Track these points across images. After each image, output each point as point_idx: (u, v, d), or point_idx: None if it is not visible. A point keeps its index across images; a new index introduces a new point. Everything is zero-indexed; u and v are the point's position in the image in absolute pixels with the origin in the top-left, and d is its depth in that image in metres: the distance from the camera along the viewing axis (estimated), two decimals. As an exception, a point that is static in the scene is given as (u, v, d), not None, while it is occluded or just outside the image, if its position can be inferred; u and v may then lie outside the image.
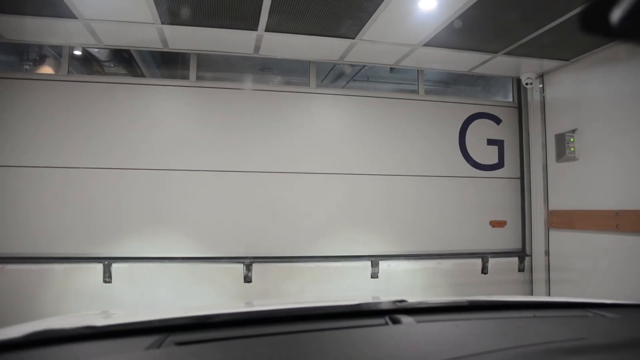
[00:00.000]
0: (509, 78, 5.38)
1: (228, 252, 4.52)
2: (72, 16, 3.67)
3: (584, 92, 4.46)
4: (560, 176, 4.75)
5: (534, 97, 5.07)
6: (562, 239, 4.71)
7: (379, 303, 1.27)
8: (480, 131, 5.16)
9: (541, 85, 4.99)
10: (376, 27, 3.88)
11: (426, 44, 4.23)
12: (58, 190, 4.31)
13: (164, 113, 4.61)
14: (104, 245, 4.33)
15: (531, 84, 4.91)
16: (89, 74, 4.99)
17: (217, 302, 4.42)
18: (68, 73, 4.45)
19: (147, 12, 3.62)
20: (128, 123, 4.48)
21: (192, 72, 4.66)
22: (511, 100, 5.39)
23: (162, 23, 3.84)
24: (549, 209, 4.86)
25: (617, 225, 3.99)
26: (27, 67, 4.83)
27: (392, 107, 5.02)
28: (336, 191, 4.81)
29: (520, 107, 5.27)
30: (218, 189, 4.60)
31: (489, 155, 5.18)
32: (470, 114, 5.16)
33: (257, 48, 4.41)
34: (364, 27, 3.90)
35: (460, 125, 5.13)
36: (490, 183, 5.14)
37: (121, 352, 0.97)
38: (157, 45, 4.37)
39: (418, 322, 1.16)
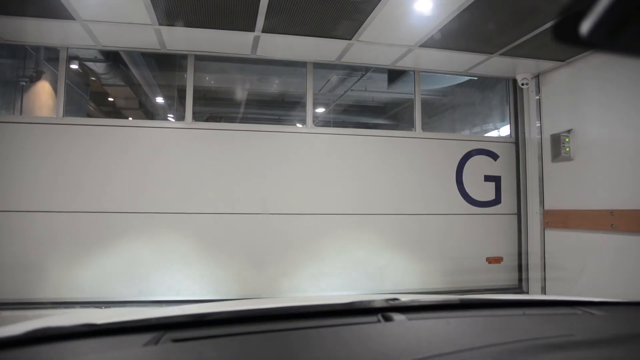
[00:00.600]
0: (507, 112, 5.40)
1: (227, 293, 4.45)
2: (70, 17, 3.69)
3: (580, 93, 4.50)
4: (555, 176, 4.78)
5: (529, 97, 5.10)
6: (557, 238, 4.74)
7: (372, 301, 1.29)
8: (477, 168, 5.13)
9: (537, 86, 5.03)
10: (373, 28, 3.91)
11: (422, 45, 4.26)
12: (52, 234, 4.22)
13: (160, 156, 4.52)
14: (97, 290, 4.22)
15: (527, 84, 4.95)
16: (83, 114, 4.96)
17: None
18: (64, 115, 4.40)
19: (145, 13, 3.63)
20: (121, 166, 4.42)
21: (188, 113, 4.58)
22: (509, 135, 5.35)
23: (160, 24, 3.86)
24: (545, 208, 4.89)
25: (612, 224, 4.02)
26: (24, 82, 4.82)
27: (389, 145, 4.99)
28: (332, 232, 4.73)
29: (517, 142, 5.23)
30: (216, 232, 4.53)
31: (486, 192, 5.14)
32: (467, 150, 5.12)
33: (254, 49, 4.43)
34: (361, 28, 3.92)
35: (457, 162, 5.09)
36: (487, 219, 5.09)
37: (119, 349, 0.99)
38: (155, 47, 4.38)
39: (410, 319, 1.18)
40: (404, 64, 4.80)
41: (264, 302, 1.36)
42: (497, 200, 5.16)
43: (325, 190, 4.76)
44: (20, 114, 4.85)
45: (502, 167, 5.21)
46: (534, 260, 4.95)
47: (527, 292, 5.00)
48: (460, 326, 1.20)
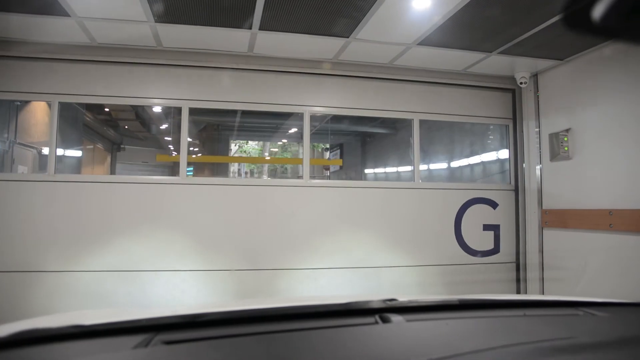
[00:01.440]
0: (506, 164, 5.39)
1: None
2: (65, 14, 3.65)
3: (578, 92, 4.48)
4: (554, 175, 4.77)
5: (528, 96, 5.09)
6: (555, 238, 4.73)
7: (369, 302, 1.26)
8: (476, 217, 5.08)
9: (535, 85, 5.01)
10: (370, 26, 3.88)
11: (420, 43, 4.23)
12: (45, 296, 4.15)
13: (155, 213, 4.45)
14: None
15: (525, 83, 4.93)
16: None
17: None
18: (55, 172, 4.34)
19: (141, 10, 3.60)
20: (110, 223, 4.36)
21: (182, 170, 4.54)
22: (508, 182, 5.31)
23: (156, 21, 3.82)
24: (543, 208, 4.88)
25: (611, 224, 4.01)
26: (18, 102, 4.80)
27: (387, 196, 4.94)
28: (327, 287, 4.65)
29: (517, 189, 5.19)
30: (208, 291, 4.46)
31: (485, 241, 5.09)
32: (466, 199, 5.08)
33: (251, 47, 4.40)
34: (359, 26, 3.89)
35: (456, 212, 5.04)
36: (485, 269, 5.04)
37: (109, 351, 0.96)
38: (151, 44, 4.35)
39: (408, 320, 1.15)
40: (402, 62, 4.77)
41: (258, 302, 1.33)
42: (495, 249, 5.11)
43: (318, 244, 4.69)
44: (15, 136, 4.83)
45: (501, 216, 5.17)
46: (531, 260, 4.94)
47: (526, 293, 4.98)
48: (459, 328, 1.17)
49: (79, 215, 4.30)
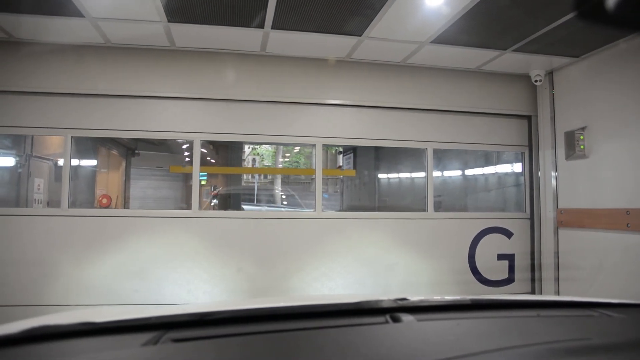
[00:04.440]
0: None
1: None
2: (79, 15, 3.69)
3: (594, 89, 4.40)
4: (569, 174, 4.69)
5: (543, 94, 5.02)
6: (571, 238, 4.66)
7: (380, 301, 1.25)
8: (490, 246, 5.02)
9: (550, 83, 4.94)
10: (383, 24, 3.86)
11: (433, 41, 4.20)
12: None
13: (166, 247, 4.46)
14: None
15: (540, 80, 4.86)
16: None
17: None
18: (69, 207, 4.38)
19: (154, 10, 3.62)
20: (131, 258, 4.37)
21: (195, 203, 4.57)
22: (524, 211, 5.24)
23: (169, 21, 3.85)
24: (559, 207, 4.81)
25: (628, 224, 3.94)
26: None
27: (399, 226, 4.89)
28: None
29: (532, 218, 5.13)
30: None
31: (499, 271, 5.02)
32: (481, 229, 5.02)
33: (263, 46, 4.41)
34: (371, 24, 3.88)
35: (470, 242, 4.99)
36: None
37: (117, 349, 0.97)
38: (164, 44, 4.38)
39: (419, 320, 1.14)
40: (415, 60, 4.74)
41: (267, 301, 1.32)
42: (510, 279, 5.05)
43: (331, 275, 4.67)
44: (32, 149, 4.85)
45: (516, 245, 5.09)
46: (547, 260, 4.87)
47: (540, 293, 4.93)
48: (470, 328, 1.16)
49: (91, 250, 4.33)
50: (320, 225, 4.73)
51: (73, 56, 4.41)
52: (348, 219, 4.94)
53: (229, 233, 4.55)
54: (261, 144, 5.04)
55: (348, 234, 4.76)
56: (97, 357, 0.94)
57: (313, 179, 4.92)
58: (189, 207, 4.64)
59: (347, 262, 4.71)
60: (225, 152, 7.70)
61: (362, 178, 8.67)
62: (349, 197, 8.67)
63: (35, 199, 4.84)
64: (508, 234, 5.10)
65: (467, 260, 4.96)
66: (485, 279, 4.98)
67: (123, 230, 4.39)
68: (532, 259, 5.05)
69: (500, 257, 5.04)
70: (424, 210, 5.00)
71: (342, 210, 7.85)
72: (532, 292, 5.02)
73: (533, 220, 5.12)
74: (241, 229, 4.60)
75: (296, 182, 13.67)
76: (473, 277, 4.95)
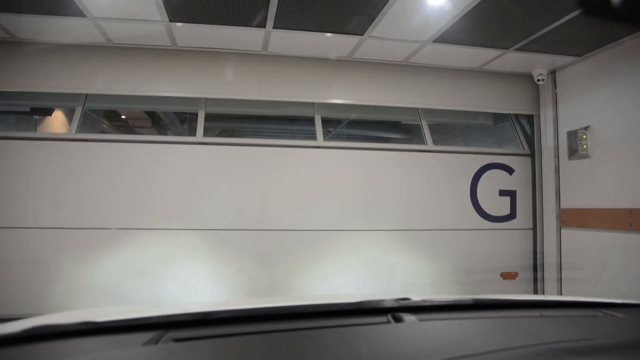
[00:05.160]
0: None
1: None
2: (81, 14, 3.69)
3: (597, 88, 4.39)
4: (572, 174, 4.68)
5: (546, 93, 5.00)
6: (574, 238, 4.64)
7: (382, 301, 1.24)
8: (492, 182, 5.01)
9: (553, 82, 4.92)
10: (385, 24, 3.85)
11: (436, 40, 4.19)
12: (60, 251, 4.21)
13: (171, 171, 4.51)
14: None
15: (543, 80, 4.84)
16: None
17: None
18: (77, 132, 4.39)
19: (156, 10, 3.62)
20: (132, 181, 4.41)
21: (200, 129, 4.58)
22: (523, 148, 5.23)
23: (171, 21, 3.85)
24: (561, 207, 4.79)
25: (631, 223, 3.92)
26: (37, 117, 4.96)
27: (399, 159, 4.89)
28: (341, 249, 4.67)
29: (533, 155, 5.12)
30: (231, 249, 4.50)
31: (501, 207, 5.03)
32: (482, 164, 5.01)
33: (265, 45, 4.41)
34: (373, 24, 3.87)
35: (471, 177, 4.98)
36: (501, 234, 4.99)
37: (118, 348, 0.97)
38: (166, 43, 4.38)
39: (421, 320, 1.14)
40: (417, 60, 4.73)
41: (268, 301, 1.32)
42: (512, 215, 5.05)
43: (333, 206, 4.70)
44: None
45: (517, 181, 5.10)
46: (549, 259, 4.86)
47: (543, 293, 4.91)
48: (473, 328, 1.15)
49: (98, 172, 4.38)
50: (321, 154, 4.76)
51: (75, 56, 4.41)
52: (348, 148, 4.86)
53: (233, 160, 4.61)
54: (265, 117, 5.10)
55: (348, 163, 4.80)
56: (98, 357, 0.94)
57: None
58: None
59: (347, 190, 4.77)
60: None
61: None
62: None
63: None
64: (509, 170, 5.10)
65: (469, 194, 4.97)
66: (488, 214, 4.99)
67: None
68: (535, 258, 5.03)
69: (502, 193, 5.06)
70: (424, 143, 5.01)
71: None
72: (535, 292, 5.00)
73: (534, 157, 5.12)
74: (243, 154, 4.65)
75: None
76: (475, 212, 4.97)
